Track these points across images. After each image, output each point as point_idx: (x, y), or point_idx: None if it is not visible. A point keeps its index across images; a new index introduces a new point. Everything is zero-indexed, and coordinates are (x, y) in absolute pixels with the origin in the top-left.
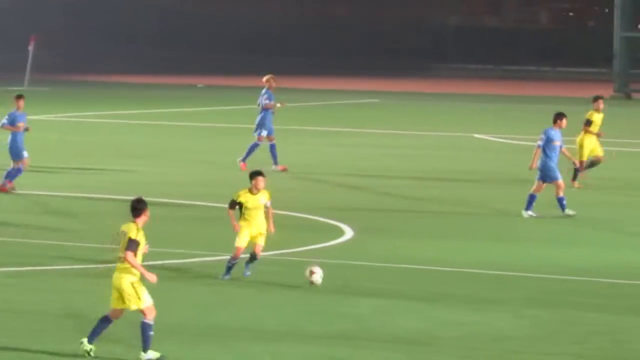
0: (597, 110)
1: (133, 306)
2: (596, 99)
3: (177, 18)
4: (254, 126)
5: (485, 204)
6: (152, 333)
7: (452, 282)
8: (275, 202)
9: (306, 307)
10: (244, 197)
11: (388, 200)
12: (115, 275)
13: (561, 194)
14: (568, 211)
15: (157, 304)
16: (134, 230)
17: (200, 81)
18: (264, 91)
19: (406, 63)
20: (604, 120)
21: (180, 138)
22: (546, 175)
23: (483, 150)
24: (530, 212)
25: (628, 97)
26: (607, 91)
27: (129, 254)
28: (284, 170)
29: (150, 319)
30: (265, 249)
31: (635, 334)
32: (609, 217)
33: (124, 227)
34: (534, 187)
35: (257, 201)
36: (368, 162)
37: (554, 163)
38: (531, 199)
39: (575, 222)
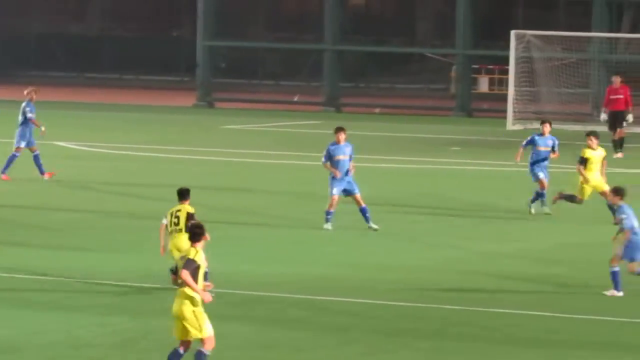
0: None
1: (194, 335)
2: (589, 134)
3: None
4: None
5: (75, 209)
6: None
7: (35, 288)
8: None
9: None
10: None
11: None
12: (176, 303)
13: (363, 205)
14: (372, 224)
15: None
16: (193, 251)
17: None
18: (25, 104)
19: None
20: None
21: None
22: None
23: (64, 157)
24: (328, 225)
25: (211, 105)
26: (190, 100)
27: (184, 272)
28: (52, 175)
29: (208, 348)
30: None
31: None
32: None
33: (184, 252)
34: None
35: None
36: None
37: (344, 175)
38: (328, 214)
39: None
